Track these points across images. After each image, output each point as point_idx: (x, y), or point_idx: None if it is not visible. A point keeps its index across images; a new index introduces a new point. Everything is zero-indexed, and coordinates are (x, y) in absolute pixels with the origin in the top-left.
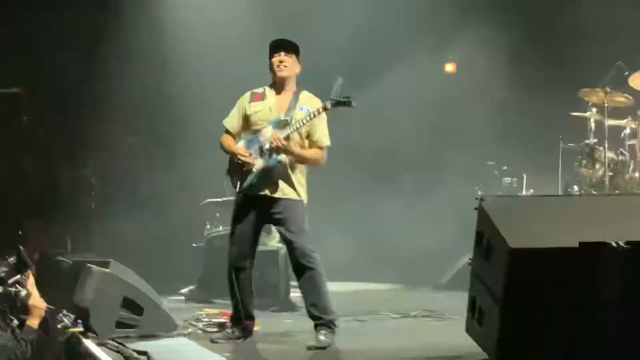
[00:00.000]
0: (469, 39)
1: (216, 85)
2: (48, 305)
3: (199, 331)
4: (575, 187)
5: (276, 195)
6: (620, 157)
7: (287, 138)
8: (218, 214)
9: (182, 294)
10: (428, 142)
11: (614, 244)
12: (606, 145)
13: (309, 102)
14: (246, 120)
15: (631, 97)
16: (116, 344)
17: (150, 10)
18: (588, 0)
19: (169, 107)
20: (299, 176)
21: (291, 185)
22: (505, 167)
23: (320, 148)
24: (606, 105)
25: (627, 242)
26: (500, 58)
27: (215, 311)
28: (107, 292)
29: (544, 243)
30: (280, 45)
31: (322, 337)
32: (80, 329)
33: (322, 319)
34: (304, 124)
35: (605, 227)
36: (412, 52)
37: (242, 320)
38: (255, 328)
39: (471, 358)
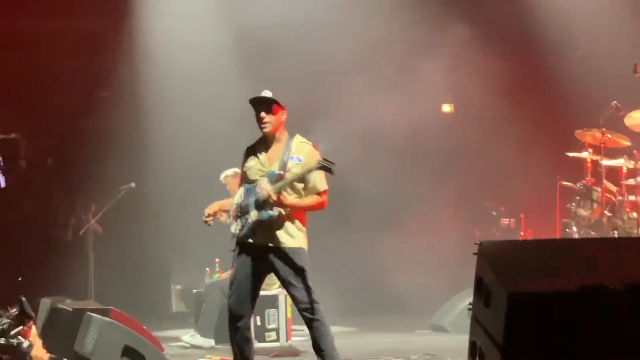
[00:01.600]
0: (466, 80)
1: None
2: (50, 355)
3: None
4: (574, 228)
5: (272, 244)
6: (618, 198)
7: (280, 192)
8: (217, 260)
9: (183, 340)
10: (426, 182)
11: (612, 287)
12: (603, 185)
13: (300, 149)
14: (243, 176)
15: (627, 137)
16: None
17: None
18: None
19: (160, 151)
20: (297, 224)
21: (288, 233)
22: (503, 208)
23: (318, 194)
24: (602, 145)
25: (626, 285)
26: (496, 98)
27: (217, 357)
28: (108, 340)
29: (543, 287)
30: (257, 104)
31: None
32: None
33: None
34: (297, 179)
35: (604, 270)
36: (410, 92)
37: None
38: None
39: None
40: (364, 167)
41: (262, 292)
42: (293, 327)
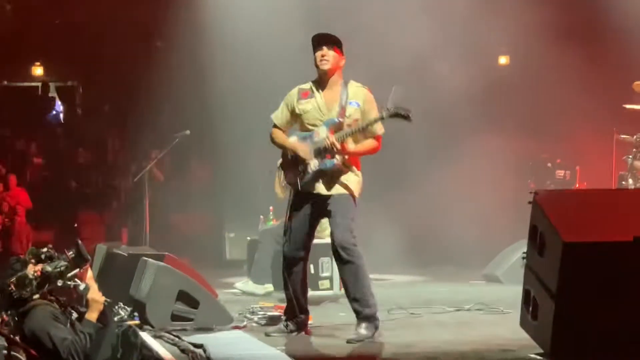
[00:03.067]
0: (522, 32)
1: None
2: (106, 299)
3: (254, 324)
4: (630, 180)
5: (330, 192)
6: None
7: (342, 140)
8: (271, 207)
9: (236, 287)
10: (482, 133)
11: None
12: None
13: (357, 94)
14: (296, 118)
15: None
16: (172, 337)
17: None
18: None
19: (219, 103)
20: (354, 170)
21: (345, 180)
22: (559, 160)
23: (375, 138)
24: None
25: None
26: (553, 51)
27: (271, 304)
28: (163, 285)
29: (598, 237)
30: (320, 40)
31: (362, 331)
32: (137, 321)
33: (362, 313)
34: (357, 129)
35: None
36: (467, 45)
37: (296, 314)
38: (310, 321)
39: (525, 351)
40: (422, 118)
41: (316, 241)
42: None
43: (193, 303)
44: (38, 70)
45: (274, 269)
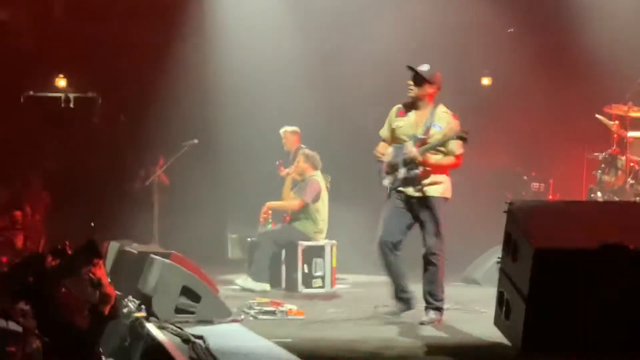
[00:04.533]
0: (504, 56)
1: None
2: (117, 292)
3: (251, 318)
4: (599, 194)
5: (417, 194)
6: None
7: (424, 154)
8: (270, 212)
9: (236, 284)
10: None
11: (632, 247)
12: (627, 154)
13: (441, 118)
14: (392, 132)
15: None
16: (175, 328)
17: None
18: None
19: (223, 113)
20: (439, 177)
21: (431, 184)
22: (534, 173)
23: (454, 156)
24: (629, 117)
25: None
26: (532, 73)
27: (267, 300)
28: (168, 280)
29: (566, 244)
30: (411, 74)
31: (432, 315)
32: (143, 313)
33: (433, 304)
34: (437, 145)
35: (625, 231)
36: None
37: (397, 294)
38: (300, 316)
39: (498, 348)
40: None
41: (309, 243)
42: (337, 275)
43: (195, 297)
44: (61, 82)
45: (271, 268)
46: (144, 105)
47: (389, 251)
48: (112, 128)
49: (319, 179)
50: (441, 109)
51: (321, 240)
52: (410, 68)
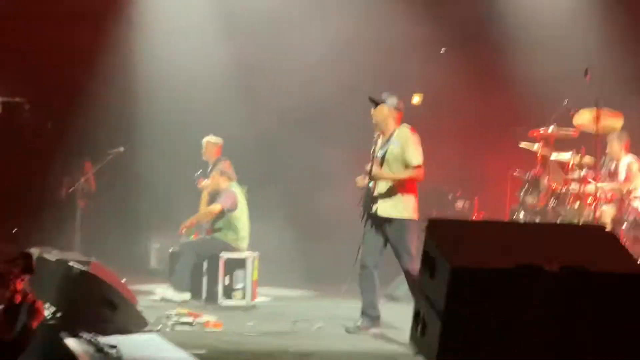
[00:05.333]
0: (435, 74)
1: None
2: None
3: (168, 329)
4: (521, 214)
5: (383, 214)
6: (563, 189)
7: (380, 165)
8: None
9: (156, 294)
10: None
11: (546, 267)
12: (550, 176)
13: (400, 134)
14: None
15: (576, 132)
16: (89, 337)
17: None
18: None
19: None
20: (403, 195)
21: (395, 205)
22: (459, 193)
23: (413, 167)
24: (552, 140)
25: (560, 267)
26: (460, 92)
27: (185, 311)
28: (86, 290)
29: (484, 263)
30: (370, 101)
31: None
32: (58, 322)
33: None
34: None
35: (543, 252)
36: (383, 84)
37: (366, 311)
38: (218, 328)
39: None
40: (339, 148)
41: (231, 255)
42: (259, 288)
43: (113, 307)
44: None
45: (192, 278)
46: (72, 111)
47: (366, 270)
48: (39, 134)
49: (234, 189)
50: (402, 127)
51: (244, 250)
52: (370, 99)
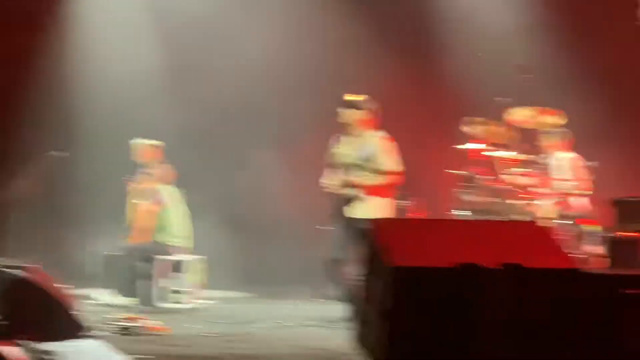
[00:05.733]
0: (375, 75)
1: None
2: None
3: (108, 333)
4: (461, 212)
5: (355, 215)
6: (500, 185)
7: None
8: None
9: (93, 299)
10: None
11: (486, 265)
12: (486, 173)
13: (372, 140)
14: (332, 157)
15: (510, 131)
16: (25, 344)
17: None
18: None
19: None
20: (376, 199)
21: (367, 207)
22: (400, 192)
23: (386, 173)
24: (486, 138)
25: (500, 264)
26: (403, 91)
27: (125, 315)
28: (20, 294)
29: (425, 262)
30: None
31: None
32: None
33: None
34: (363, 165)
35: (482, 249)
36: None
37: None
38: (159, 332)
39: None
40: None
41: (170, 258)
42: (201, 291)
43: (49, 312)
44: None
45: (131, 282)
46: (5, 115)
47: (335, 270)
48: None
49: (161, 190)
50: (373, 133)
51: (182, 250)
52: (344, 101)
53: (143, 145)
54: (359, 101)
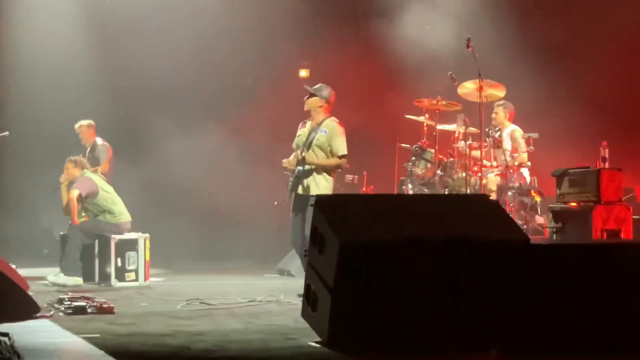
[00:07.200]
0: (321, 48)
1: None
2: None
3: (60, 314)
4: (409, 185)
5: (303, 192)
6: (449, 159)
7: (308, 150)
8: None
9: (47, 279)
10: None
11: (431, 239)
12: (437, 147)
13: (328, 124)
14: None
15: (459, 104)
16: None
17: None
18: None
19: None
20: (324, 177)
21: (316, 184)
22: (348, 166)
23: (338, 157)
24: (437, 111)
25: (443, 237)
26: (348, 66)
27: (78, 295)
28: None
29: (372, 237)
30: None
31: None
32: None
33: None
34: (318, 147)
35: (428, 223)
36: (270, 57)
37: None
38: (111, 311)
39: (306, 340)
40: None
41: (123, 236)
42: (151, 269)
43: (3, 294)
44: None
45: (82, 261)
46: None
47: (300, 253)
48: None
49: (88, 175)
50: (331, 119)
51: (134, 233)
52: (305, 89)
53: (84, 127)
54: (319, 89)
